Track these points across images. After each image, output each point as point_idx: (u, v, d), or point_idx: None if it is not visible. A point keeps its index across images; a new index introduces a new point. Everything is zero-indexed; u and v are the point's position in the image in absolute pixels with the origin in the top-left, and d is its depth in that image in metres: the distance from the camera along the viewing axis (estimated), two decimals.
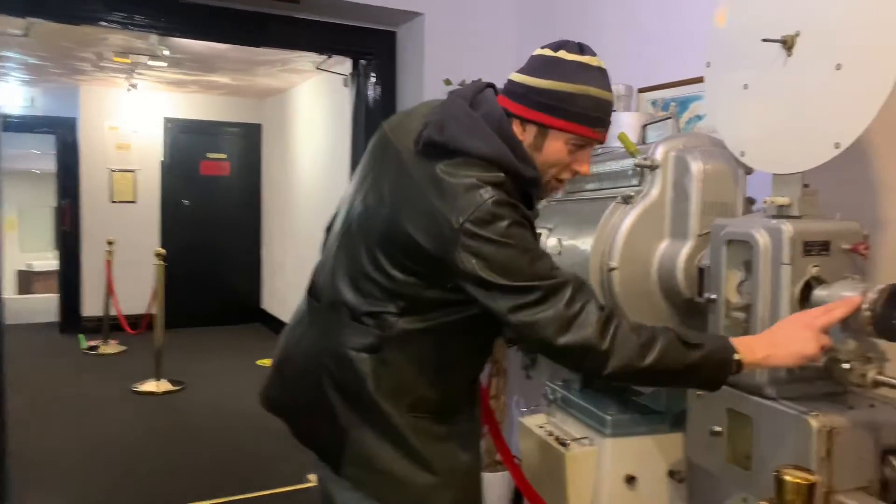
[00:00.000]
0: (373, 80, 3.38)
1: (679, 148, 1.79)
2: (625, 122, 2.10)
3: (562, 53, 1.38)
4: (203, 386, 5.31)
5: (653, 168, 1.79)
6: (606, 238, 1.79)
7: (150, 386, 5.19)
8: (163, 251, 5.41)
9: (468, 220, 1.29)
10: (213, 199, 7.55)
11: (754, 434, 1.48)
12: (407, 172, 1.40)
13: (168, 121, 7.32)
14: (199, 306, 7.35)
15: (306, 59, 5.27)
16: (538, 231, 2.10)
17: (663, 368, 1.30)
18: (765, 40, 1.50)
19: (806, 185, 1.50)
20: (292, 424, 1.59)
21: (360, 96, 3.47)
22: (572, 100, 1.36)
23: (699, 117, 2.32)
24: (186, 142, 7.43)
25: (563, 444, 1.98)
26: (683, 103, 2.40)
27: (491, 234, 1.29)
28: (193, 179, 7.47)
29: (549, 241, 2.03)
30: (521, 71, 1.42)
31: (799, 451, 1.36)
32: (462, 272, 1.31)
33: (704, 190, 1.72)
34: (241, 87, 6.87)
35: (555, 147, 1.41)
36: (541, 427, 2.16)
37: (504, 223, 1.29)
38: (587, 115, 1.38)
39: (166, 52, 5.15)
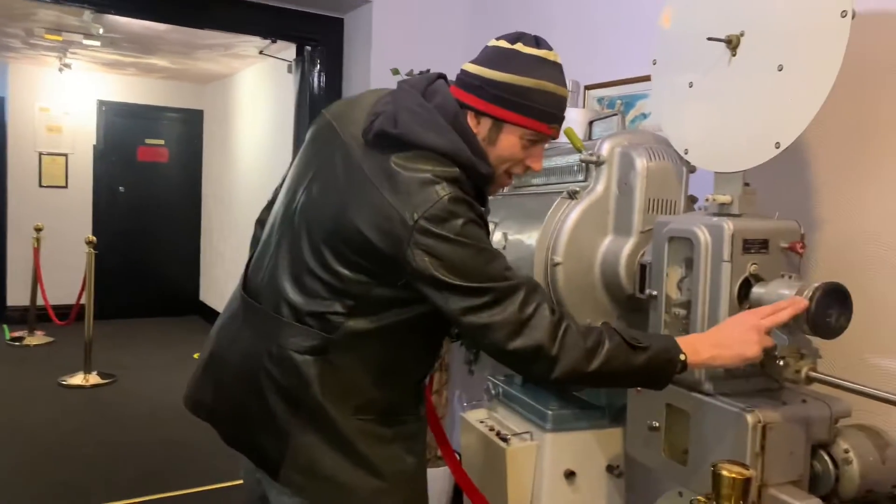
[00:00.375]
0: (318, 67, 3.30)
1: (624, 144, 1.79)
2: (571, 118, 2.07)
3: (519, 46, 1.36)
4: (135, 379, 5.13)
5: (598, 164, 1.79)
6: (551, 233, 1.78)
7: (78, 379, 4.98)
8: (94, 239, 5.19)
9: (423, 217, 1.24)
10: (150, 186, 7.29)
11: (691, 429, 1.50)
12: (356, 164, 1.34)
13: (103, 103, 7.03)
14: (133, 297, 7.10)
15: (250, 45, 5.13)
16: (489, 222, 2.09)
17: (609, 372, 1.29)
18: (710, 39, 1.51)
19: (746, 184, 1.52)
20: (223, 429, 1.49)
21: (304, 84, 3.39)
22: (529, 94, 1.34)
23: (644, 115, 2.34)
24: (123, 126, 7.15)
25: (504, 440, 1.97)
26: (630, 101, 2.42)
27: (446, 233, 1.25)
28: (130, 165, 7.20)
29: (494, 236, 2.02)
30: (477, 62, 1.38)
31: (734, 445, 1.38)
32: (414, 270, 1.26)
33: (648, 187, 1.73)
34: (181, 72, 6.65)
35: (509, 141, 1.38)
36: (482, 422, 2.14)
37: (460, 221, 1.25)
38: (543, 111, 1.36)
39: (101, 31, 4.93)
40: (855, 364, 1.61)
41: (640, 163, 1.73)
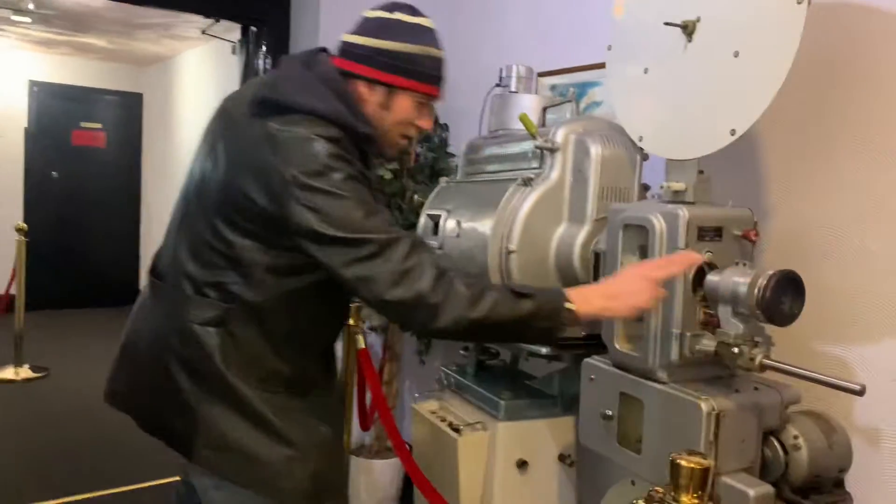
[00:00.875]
0: (263, 49, 3.19)
1: (579, 131, 1.77)
2: (525, 105, 2.06)
3: (399, 16, 1.43)
4: (69, 373, 4.91)
5: (553, 151, 1.76)
6: (506, 221, 1.75)
7: (8, 373, 4.74)
8: (24, 226, 4.94)
9: (302, 172, 1.28)
10: (86, 171, 6.98)
11: (645, 418, 1.49)
12: (241, 133, 1.39)
13: (34, 84, 6.68)
14: (68, 287, 6.80)
15: (191, 25, 4.94)
16: (437, 213, 2.05)
17: (495, 320, 1.29)
18: (666, 24, 1.49)
19: (700, 172, 1.51)
20: (139, 416, 1.51)
21: (249, 66, 3.27)
22: (418, 60, 1.42)
23: (597, 103, 2.33)
24: (56, 108, 6.82)
25: (456, 430, 1.93)
26: (582, 89, 2.41)
27: (325, 186, 1.28)
28: (64, 150, 6.88)
29: (447, 223, 1.98)
30: (360, 33, 1.44)
31: (688, 434, 1.38)
32: (296, 226, 1.29)
33: (603, 174, 1.71)
34: (119, 52, 6.38)
35: (403, 105, 1.45)
36: (433, 413, 2.10)
37: (338, 175, 1.29)
38: (431, 74, 1.45)
39: (31, 7, 4.67)
40: (802, 351, 1.63)
41: (595, 150, 1.72)
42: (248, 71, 3.26)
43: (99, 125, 7.07)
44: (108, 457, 3.54)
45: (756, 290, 1.30)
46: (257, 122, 1.35)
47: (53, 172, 6.84)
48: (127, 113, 7.16)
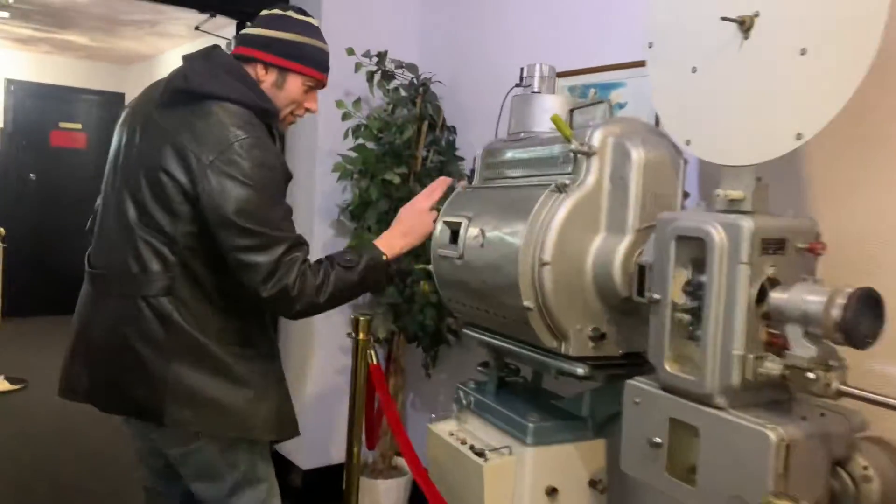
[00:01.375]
0: None
1: (617, 134, 1.65)
2: (549, 106, 1.94)
3: (290, 13, 1.71)
4: (49, 385, 4.67)
5: (589, 154, 1.64)
6: (538, 230, 1.62)
7: None
8: (1, 231, 4.72)
9: (217, 158, 1.49)
10: (65, 173, 6.75)
11: (701, 447, 1.36)
12: (157, 124, 1.59)
13: (11, 83, 6.45)
14: (47, 293, 6.56)
15: (179, 22, 4.77)
16: (455, 220, 1.92)
17: (338, 295, 1.60)
18: (724, 18, 1.37)
19: (758, 179, 1.39)
20: (101, 401, 1.64)
21: None
22: (307, 49, 1.69)
23: (621, 105, 2.21)
24: (34, 108, 6.59)
25: (480, 455, 1.80)
26: (604, 90, 2.29)
27: (235, 173, 1.49)
28: (42, 151, 6.64)
29: (469, 231, 1.84)
30: (257, 25, 1.71)
31: (753, 465, 1.26)
32: (204, 205, 1.50)
33: (645, 180, 1.59)
34: (101, 50, 6.17)
35: (293, 86, 1.70)
36: (452, 434, 1.97)
37: (248, 164, 1.49)
38: (317, 61, 1.71)
39: (11, 1, 4.47)
40: (862, 372, 1.52)
41: (637, 154, 1.59)
42: None
43: (79, 126, 6.85)
44: (90, 473, 3.36)
45: (834, 310, 1.18)
46: (174, 111, 1.57)
47: (31, 175, 6.61)
48: (108, 113, 6.93)
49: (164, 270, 1.55)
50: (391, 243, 1.72)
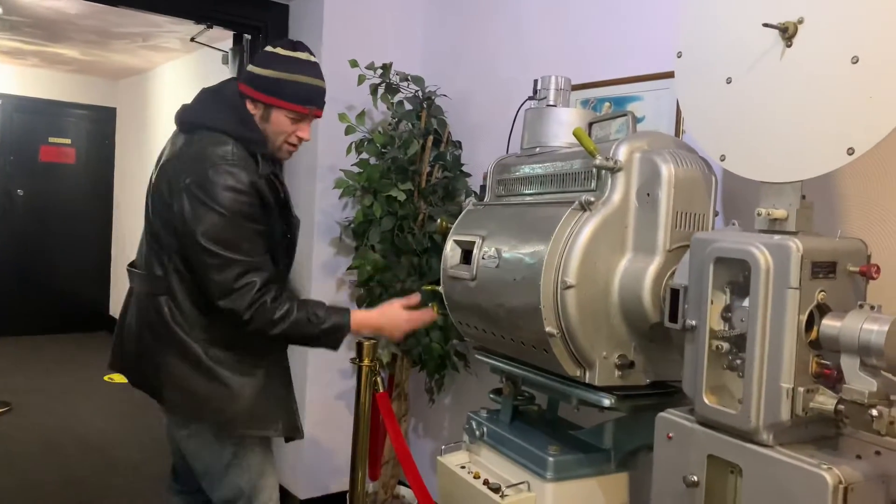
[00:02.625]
0: None
1: (645, 148, 1.55)
2: (566, 119, 1.85)
3: (278, 50, 1.81)
4: (35, 407, 4.52)
5: (615, 170, 1.54)
6: (561, 250, 1.51)
7: None
8: None
9: (192, 182, 1.68)
10: (54, 189, 6.59)
11: (744, 487, 1.26)
12: (168, 147, 1.85)
13: (0, 97, 6.32)
14: (34, 312, 6.38)
15: (172, 35, 4.67)
16: (468, 239, 1.82)
17: (290, 337, 1.77)
18: (766, 25, 1.28)
19: (803, 197, 1.30)
20: (129, 374, 1.93)
21: None
22: (286, 84, 1.78)
23: (639, 120, 2.11)
24: (23, 123, 6.44)
25: (497, 491, 1.68)
26: (618, 103, 2.20)
27: (204, 197, 1.66)
28: (30, 167, 6.48)
29: (483, 251, 1.74)
30: (251, 63, 1.84)
31: None
32: (177, 222, 1.71)
33: (676, 197, 1.49)
34: (92, 64, 6.05)
35: (278, 119, 1.81)
36: (463, 467, 1.85)
37: (217, 190, 1.66)
38: (298, 97, 1.79)
39: (0, 12, 4.36)
40: None
41: (667, 170, 1.50)
42: None
43: (68, 141, 6.70)
44: (76, 500, 3.20)
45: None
46: (178, 139, 1.83)
47: (19, 190, 6.45)
48: (99, 128, 6.80)
49: (164, 275, 1.78)
50: (363, 324, 1.85)
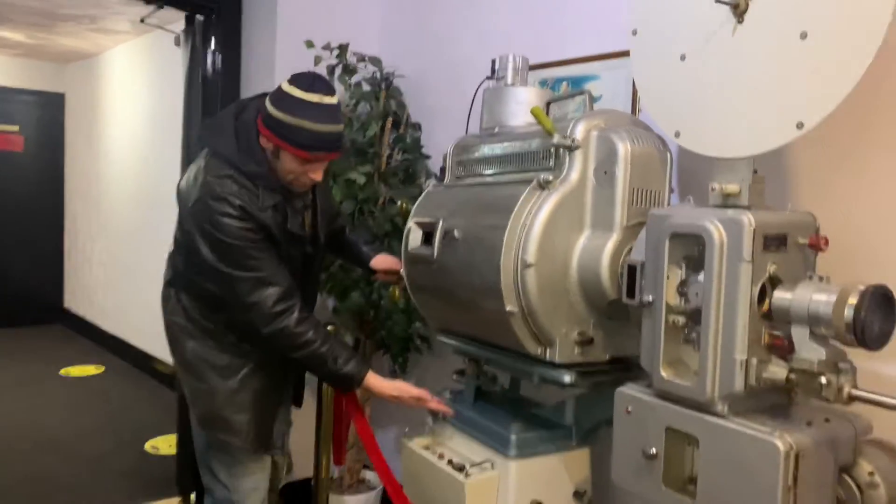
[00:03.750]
0: (213, 40, 2.86)
1: (601, 127, 1.56)
2: (525, 99, 1.85)
3: (291, 89, 1.75)
4: None
5: (573, 148, 1.54)
6: (520, 229, 1.52)
7: None
8: None
9: (196, 207, 1.77)
10: (2, 178, 6.37)
11: (701, 457, 1.28)
12: (195, 163, 1.87)
13: None
14: None
15: (122, 17, 4.53)
16: (428, 220, 1.81)
17: (305, 363, 1.85)
18: (718, 1, 1.30)
19: (755, 172, 1.32)
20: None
21: (195, 60, 2.93)
22: (293, 129, 1.73)
23: (595, 99, 2.12)
24: None
25: (460, 470, 1.69)
26: (576, 83, 2.20)
27: (205, 224, 1.74)
28: None
29: (445, 231, 1.73)
30: (269, 97, 1.79)
31: (760, 476, 1.18)
32: (188, 241, 1.81)
33: (633, 175, 1.51)
34: (38, 48, 5.84)
35: (286, 159, 1.78)
36: (428, 448, 1.85)
37: (216, 217, 1.72)
38: (301, 143, 1.74)
39: None
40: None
41: (623, 147, 1.51)
42: (194, 67, 2.93)
43: (16, 128, 6.47)
44: (35, 497, 3.12)
45: (847, 310, 1.11)
46: (199, 154, 1.89)
47: None
48: (47, 114, 6.58)
49: (173, 267, 1.97)
50: (374, 387, 1.86)
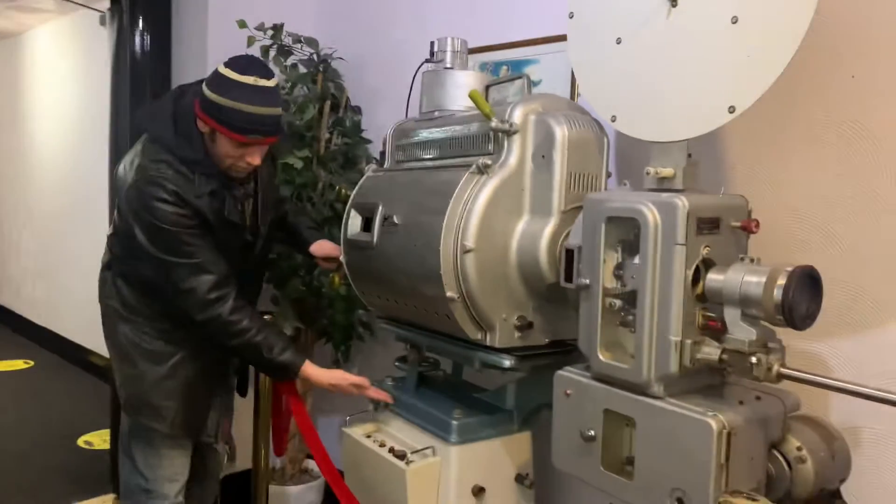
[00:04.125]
0: (141, 20, 2.74)
1: (539, 111, 1.56)
2: (463, 82, 1.83)
3: (227, 71, 1.71)
4: None
5: (511, 133, 1.53)
6: (460, 214, 1.50)
7: None
8: None
9: (130, 188, 1.74)
10: None
11: (638, 438, 1.30)
12: (133, 148, 1.85)
13: None
14: None
15: None
16: (367, 205, 1.78)
17: (240, 353, 1.86)
18: None
19: (689, 156, 1.33)
20: None
21: (122, 40, 2.80)
22: (227, 111, 1.69)
23: (535, 83, 2.12)
24: None
25: (401, 457, 1.68)
26: (516, 67, 2.19)
27: (136, 205, 1.73)
28: None
29: (384, 217, 1.70)
30: (206, 80, 1.75)
31: (693, 456, 1.20)
32: (125, 226, 1.79)
33: (570, 159, 1.51)
34: None
35: (222, 143, 1.74)
36: (370, 437, 1.83)
37: (151, 202, 1.70)
38: (233, 125, 1.70)
39: None
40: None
41: (560, 132, 1.50)
42: (122, 48, 2.79)
43: None
44: None
45: (776, 291, 1.13)
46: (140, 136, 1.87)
47: None
48: None
49: (109, 251, 1.95)
50: (311, 376, 1.83)
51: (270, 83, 1.73)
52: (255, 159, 1.78)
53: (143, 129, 1.84)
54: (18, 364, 4.89)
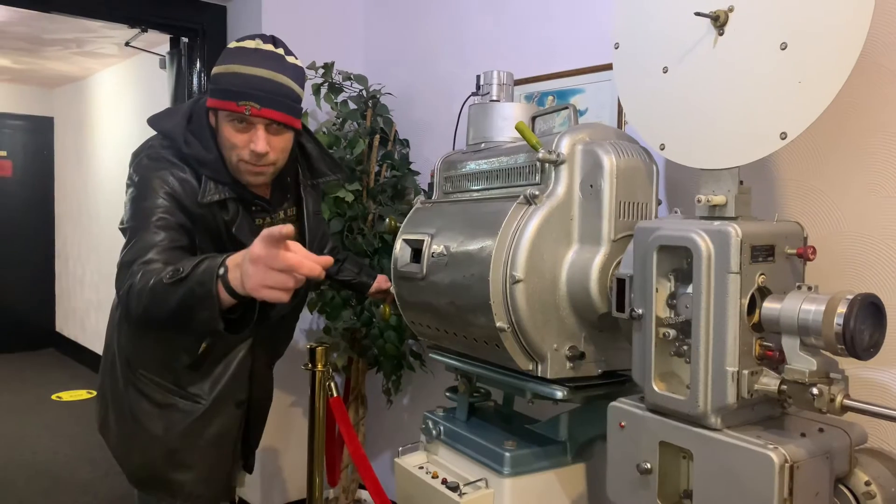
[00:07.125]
0: (198, 62, 2.87)
1: (586, 140, 1.56)
2: (510, 114, 1.84)
3: (232, 44, 1.54)
4: None
5: (558, 163, 1.54)
6: (508, 244, 1.51)
7: None
8: None
9: (131, 165, 1.57)
10: None
11: (695, 471, 1.27)
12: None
13: None
14: None
15: (108, 41, 4.53)
16: (417, 237, 1.80)
17: (152, 311, 1.31)
18: (697, 14, 1.30)
19: (741, 182, 1.32)
20: None
21: (181, 81, 2.93)
22: (220, 78, 1.49)
23: (581, 112, 2.13)
24: None
25: (454, 489, 1.67)
26: (561, 96, 2.21)
27: (128, 180, 1.55)
28: None
29: (433, 248, 1.72)
30: None
31: (755, 490, 1.16)
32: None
33: (619, 188, 1.50)
34: (26, 73, 5.84)
35: (224, 128, 1.52)
36: (421, 468, 1.83)
37: (140, 174, 1.52)
38: (229, 90, 1.47)
39: None
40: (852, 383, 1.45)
41: (608, 161, 1.50)
42: (181, 88, 2.92)
43: (4, 153, 6.46)
44: None
45: (836, 320, 1.10)
46: None
47: None
48: (36, 139, 6.57)
49: (119, 288, 1.59)
50: (238, 261, 1.20)
51: (274, 49, 1.51)
52: (260, 144, 1.50)
53: (157, 126, 1.61)
54: (82, 394, 5.06)
